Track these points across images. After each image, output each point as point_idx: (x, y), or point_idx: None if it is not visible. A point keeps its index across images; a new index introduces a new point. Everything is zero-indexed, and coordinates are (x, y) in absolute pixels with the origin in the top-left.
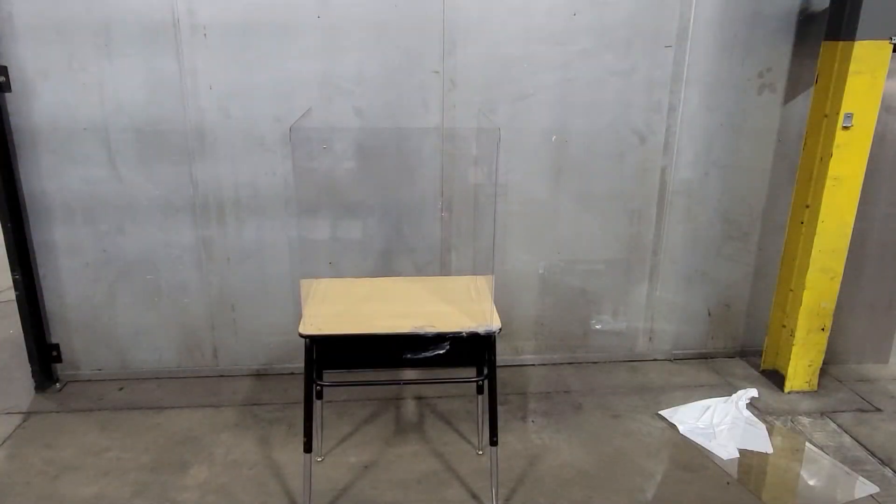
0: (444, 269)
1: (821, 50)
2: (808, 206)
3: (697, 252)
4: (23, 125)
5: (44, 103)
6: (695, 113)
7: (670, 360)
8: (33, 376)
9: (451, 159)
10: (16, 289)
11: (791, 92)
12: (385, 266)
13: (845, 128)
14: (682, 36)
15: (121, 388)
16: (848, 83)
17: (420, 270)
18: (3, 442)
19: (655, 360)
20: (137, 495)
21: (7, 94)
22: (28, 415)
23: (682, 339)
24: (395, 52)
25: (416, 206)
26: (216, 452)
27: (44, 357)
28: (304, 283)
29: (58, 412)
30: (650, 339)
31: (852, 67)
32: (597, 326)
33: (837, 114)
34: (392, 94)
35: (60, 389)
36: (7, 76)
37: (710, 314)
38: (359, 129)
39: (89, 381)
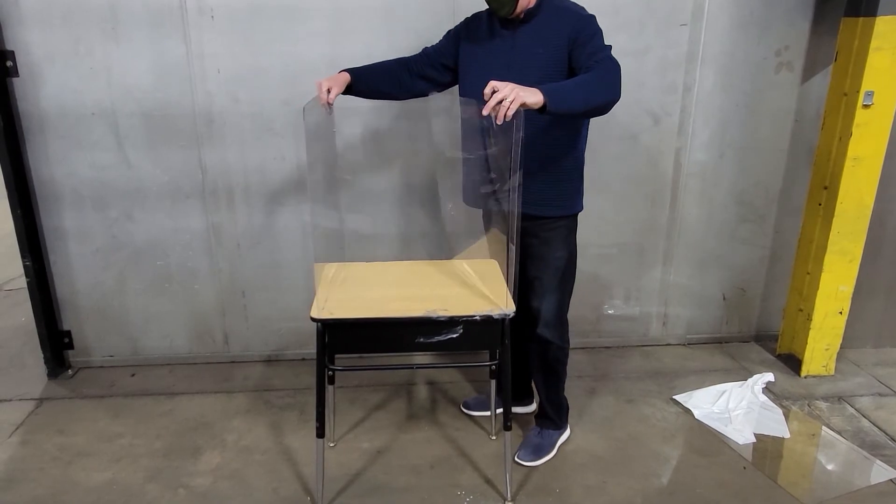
0: (458, 253)
1: (840, 26)
2: (826, 188)
3: (712, 235)
4: (31, 110)
5: (51, 88)
6: (710, 93)
7: (684, 345)
8: (45, 363)
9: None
10: (27, 275)
11: (809, 70)
12: (397, 249)
13: (865, 106)
14: (697, 14)
15: (133, 375)
16: (868, 60)
17: (432, 254)
18: (17, 428)
19: (669, 344)
20: (150, 481)
21: (14, 80)
22: (41, 401)
23: (697, 324)
24: (403, 33)
25: (429, 188)
26: (228, 438)
27: (56, 344)
28: (317, 267)
29: (70, 398)
30: (664, 323)
31: (873, 44)
32: (609, 311)
33: (857, 92)
34: None
35: (72, 376)
36: (14, 61)
37: (724, 298)
38: (370, 109)
39: (101, 367)
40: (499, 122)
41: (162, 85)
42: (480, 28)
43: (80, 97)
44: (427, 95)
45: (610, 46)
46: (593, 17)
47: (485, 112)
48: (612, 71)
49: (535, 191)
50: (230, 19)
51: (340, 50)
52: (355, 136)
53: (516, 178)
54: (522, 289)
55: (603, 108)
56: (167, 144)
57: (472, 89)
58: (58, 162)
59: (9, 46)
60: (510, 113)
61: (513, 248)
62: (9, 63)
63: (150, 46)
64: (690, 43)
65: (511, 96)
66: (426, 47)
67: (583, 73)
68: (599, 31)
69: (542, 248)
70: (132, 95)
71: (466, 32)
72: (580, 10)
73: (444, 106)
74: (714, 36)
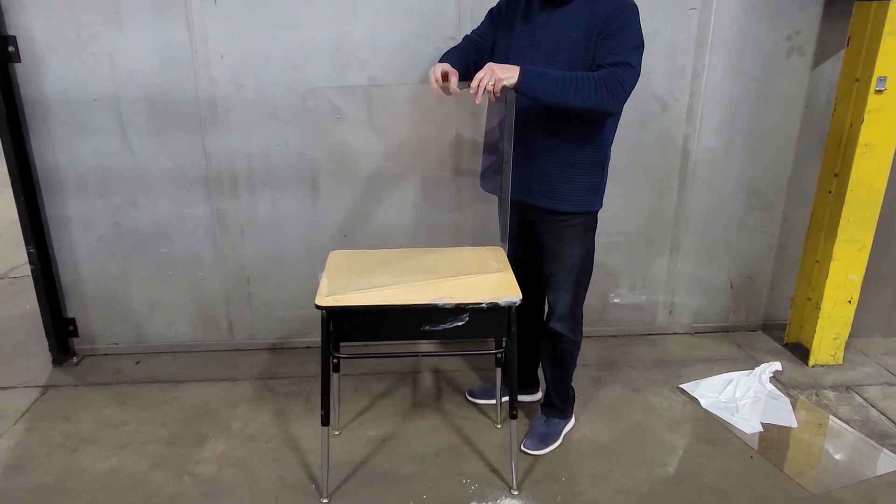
0: (463, 241)
1: (853, 10)
2: (836, 175)
3: (720, 223)
4: (33, 96)
5: (54, 74)
6: (719, 79)
7: (691, 334)
8: (50, 350)
9: (468, 127)
10: (31, 262)
11: (821, 55)
12: (403, 237)
13: (878, 92)
14: None
15: (137, 362)
16: (882, 45)
17: (437, 242)
18: (22, 415)
19: (676, 333)
20: (155, 468)
21: (17, 65)
22: (46, 388)
23: (703, 313)
24: (409, 18)
25: (434, 174)
26: (233, 426)
27: (60, 331)
28: (327, 254)
29: (75, 386)
30: (670, 312)
31: (887, 28)
32: (616, 300)
33: (870, 77)
34: (407, 61)
35: (77, 363)
36: (16, 46)
37: (732, 287)
38: (374, 88)
39: (106, 355)
40: (478, 101)
41: (165, 71)
42: (518, 7)
43: (82, 83)
44: None
45: (640, 48)
46: (634, 7)
47: (477, 101)
48: (616, 81)
49: (551, 184)
50: (233, 4)
51: (345, 35)
52: (361, 122)
53: (510, 156)
54: (537, 282)
55: (586, 112)
56: (171, 130)
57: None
58: (61, 148)
59: (10, 32)
60: (497, 92)
61: (506, 219)
62: (11, 49)
63: (152, 32)
64: (700, 27)
65: (489, 79)
66: (467, 35)
67: (592, 71)
68: (631, 25)
69: (556, 244)
70: (135, 81)
71: (506, 11)
72: None
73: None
74: (724, 20)
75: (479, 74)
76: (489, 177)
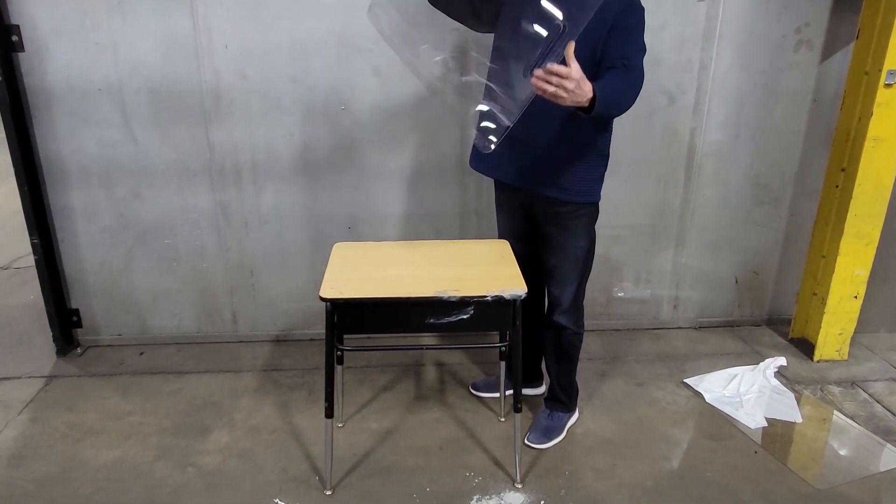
0: (468, 233)
1: (863, 2)
2: (843, 170)
3: (726, 217)
4: (37, 86)
5: (57, 63)
6: (727, 71)
7: (695, 328)
8: (54, 341)
9: (475, 118)
10: (35, 253)
11: (829, 48)
12: (407, 230)
13: (887, 85)
14: None
15: (141, 353)
16: (892, 38)
17: (442, 234)
18: (26, 406)
19: (680, 327)
20: (159, 459)
21: (20, 54)
22: (50, 379)
23: (708, 307)
24: (414, 8)
25: (437, 168)
26: (237, 417)
27: (64, 322)
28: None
29: (79, 376)
30: (675, 306)
31: None
32: (620, 294)
33: (879, 71)
34: (412, 52)
35: (81, 354)
36: (20, 35)
37: (737, 281)
38: (378, 86)
39: (110, 346)
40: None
41: (169, 61)
42: None
43: (86, 73)
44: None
45: (644, 50)
46: (642, 7)
47: (535, 83)
48: (637, 89)
49: (559, 173)
50: None
51: (350, 26)
52: (364, 113)
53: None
54: (539, 275)
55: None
56: (174, 122)
57: (503, 56)
58: (65, 138)
59: (14, 20)
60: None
61: None
62: (14, 38)
63: (156, 21)
64: (708, 19)
65: (566, 98)
66: None
67: (612, 73)
68: (640, 25)
69: (562, 237)
70: (139, 71)
71: None
72: None
73: (455, 82)
74: (732, 12)
75: (564, 84)
76: (480, 153)
